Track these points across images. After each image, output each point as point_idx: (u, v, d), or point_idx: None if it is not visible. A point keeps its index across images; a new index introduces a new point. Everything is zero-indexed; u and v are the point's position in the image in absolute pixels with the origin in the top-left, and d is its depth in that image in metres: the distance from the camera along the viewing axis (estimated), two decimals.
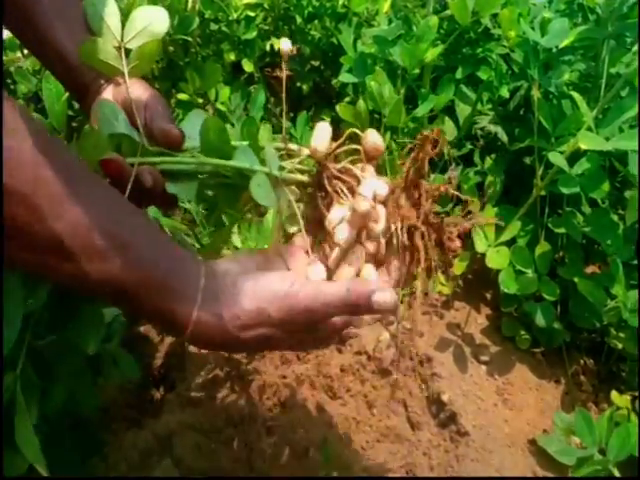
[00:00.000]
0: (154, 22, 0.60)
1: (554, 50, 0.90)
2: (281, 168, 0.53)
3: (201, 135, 0.54)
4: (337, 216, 0.50)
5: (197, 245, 0.73)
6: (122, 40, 0.59)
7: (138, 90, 0.60)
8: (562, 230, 0.90)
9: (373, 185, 0.50)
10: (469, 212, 0.55)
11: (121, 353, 0.71)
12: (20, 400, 0.54)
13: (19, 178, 0.38)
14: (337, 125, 1.15)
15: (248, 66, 1.28)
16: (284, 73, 0.60)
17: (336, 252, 0.50)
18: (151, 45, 0.59)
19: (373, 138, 0.53)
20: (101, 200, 0.43)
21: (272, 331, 0.46)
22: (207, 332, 0.46)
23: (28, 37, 0.63)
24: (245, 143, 0.56)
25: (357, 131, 0.53)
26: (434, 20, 0.91)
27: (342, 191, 0.52)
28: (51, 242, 0.39)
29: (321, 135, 0.53)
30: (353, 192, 0.51)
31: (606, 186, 0.85)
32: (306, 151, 0.55)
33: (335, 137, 0.54)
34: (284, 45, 0.59)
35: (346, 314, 0.48)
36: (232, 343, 0.47)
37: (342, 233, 0.49)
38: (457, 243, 0.51)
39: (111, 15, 0.59)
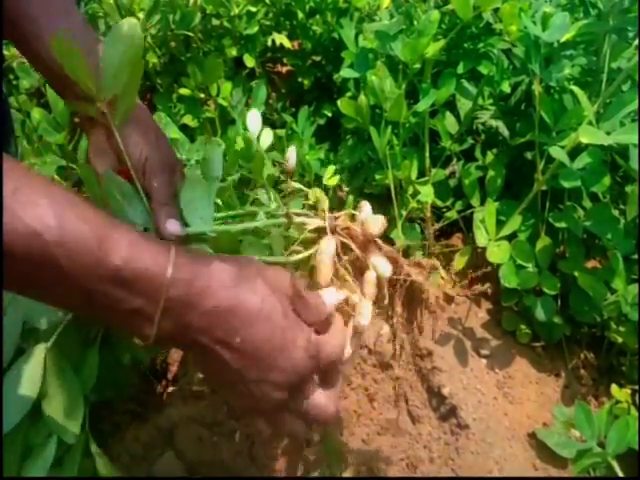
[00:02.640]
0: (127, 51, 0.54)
1: (555, 45, 0.90)
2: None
3: (215, 238, 0.56)
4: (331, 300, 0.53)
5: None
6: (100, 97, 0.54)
7: (136, 140, 0.57)
8: (563, 224, 0.90)
9: (378, 266, 0.56)
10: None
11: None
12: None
13: None
14: (338, 120, 1.15)
15: (249, 61, 1.28)
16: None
17: None
18: (131, 88, 0.55)
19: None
20: (37, 177, 0.40)
21: (257, 301, 0.44)
22: (188, 288, 0.41)
23: (27, 54, 0.62)
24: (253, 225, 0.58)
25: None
26: (435, 15, 0.90)
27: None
28: None
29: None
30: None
31: (607, 180, 0.85)
32: (317, 222, 0.57)
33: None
34: (291, 159, 0.60)
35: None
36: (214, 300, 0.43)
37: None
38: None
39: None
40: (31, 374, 0.56)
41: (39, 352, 0.57)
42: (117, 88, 0.54)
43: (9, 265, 0.38)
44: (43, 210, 0.38)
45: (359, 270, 0.56)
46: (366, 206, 0.57)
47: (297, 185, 0.61)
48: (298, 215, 0.57)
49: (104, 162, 0.60)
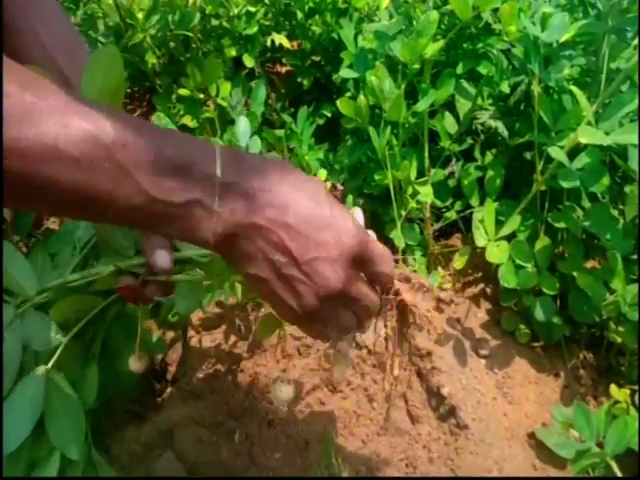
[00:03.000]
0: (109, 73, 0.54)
1: (554, 45, 0.90)
2: None
3: (206, 264, 0.58)
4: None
5: None
6: None
7: None
8: (562, 225, 0.90)
9: None
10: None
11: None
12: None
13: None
14: (337, 120, 1.15)
15: (249, 61, 1.28)
16: None
17: None
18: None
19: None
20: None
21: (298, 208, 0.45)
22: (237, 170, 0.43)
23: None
24: None
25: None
26: (434, 15, 0.91)
27: None
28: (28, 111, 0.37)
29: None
30: None
31: (606, 180, 0.85)
32: None
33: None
34: None
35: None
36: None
37: None
38: None
39: None
40: (33, 396, 0.57)
41: (40, 374, 0.58)
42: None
43: (66, 174, 0.38)
44: (96, 115, 0.39)
45: None
46: (357, 213, 0.57)
47: None
48: None
49: None
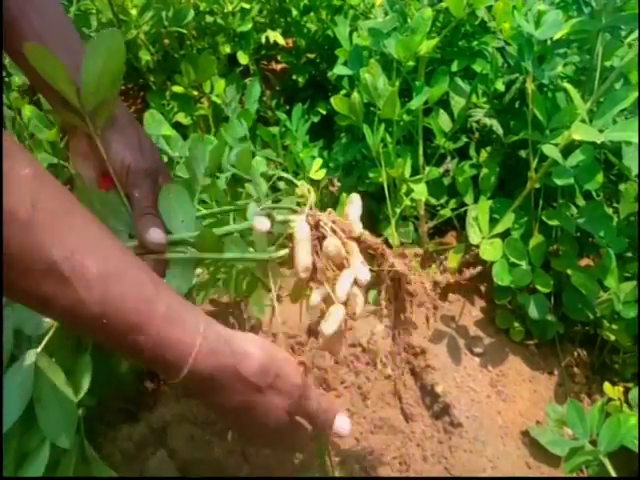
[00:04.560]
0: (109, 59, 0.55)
1: (548, 42, 0.90)
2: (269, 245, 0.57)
3: (197, 240, 0.58)
4: (317, 299, 0.56)
5: None
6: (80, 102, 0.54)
7: (117, 147, 0.58)
8: (556, 222, 0.90)
9: (357, 272, 0.55)
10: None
11: None
12: None
13: (17, 200, 0.37)
14: (332, 118, 1.15)
15: (243, 58, 1.28)
16: None
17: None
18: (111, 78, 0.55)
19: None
20: (96, 232, 0.43)
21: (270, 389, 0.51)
22: (214, 354, 0.47)
23: (12, 56, 0.62)
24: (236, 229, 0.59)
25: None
26: (428, 12, 0.90)
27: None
28: (47, 268, 0.39)
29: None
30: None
31: (600, 178, 0.85)
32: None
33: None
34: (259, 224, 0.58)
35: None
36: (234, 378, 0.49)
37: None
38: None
39: None
40: (22, 380, 0.57)
41: (30, 358, 0.57)
42: (98, 98, 0.53)
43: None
44: (92, 281, 0.41)
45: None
46: (356, 200, 0.56)
47: (287, 176, 0.61)
48: (282, 213, 0.57)
49: (88, 166, 0.60)
